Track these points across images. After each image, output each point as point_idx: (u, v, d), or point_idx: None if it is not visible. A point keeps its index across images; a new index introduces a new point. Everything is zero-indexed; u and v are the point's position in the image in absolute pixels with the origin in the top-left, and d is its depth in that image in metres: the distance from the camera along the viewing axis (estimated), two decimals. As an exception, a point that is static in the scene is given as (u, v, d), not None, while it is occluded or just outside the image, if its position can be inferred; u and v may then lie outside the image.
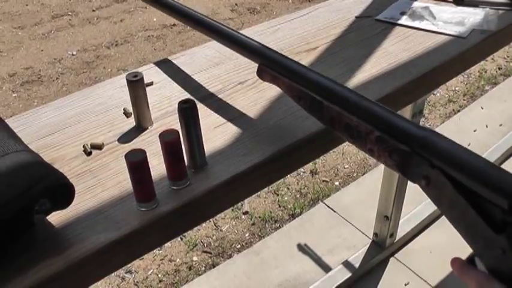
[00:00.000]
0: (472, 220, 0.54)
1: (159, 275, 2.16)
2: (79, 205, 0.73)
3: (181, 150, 0.72)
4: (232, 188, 0.77)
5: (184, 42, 4.10)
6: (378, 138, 0.64)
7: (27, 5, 4.92)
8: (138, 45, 4.14)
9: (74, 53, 4.03)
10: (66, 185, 0.67)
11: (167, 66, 1.06)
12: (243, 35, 0.87)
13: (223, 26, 0.91)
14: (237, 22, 4.43)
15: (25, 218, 0.66)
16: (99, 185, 0.76)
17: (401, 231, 2.14)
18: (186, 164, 0.76)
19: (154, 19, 4.54)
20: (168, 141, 0.70)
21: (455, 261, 0.58)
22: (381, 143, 0.64)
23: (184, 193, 0.73)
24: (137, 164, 0.67)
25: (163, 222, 0.71)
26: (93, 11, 4.80)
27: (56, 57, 3.98)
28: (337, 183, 2.58)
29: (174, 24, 4.37)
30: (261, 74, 0.82)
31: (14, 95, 3.53)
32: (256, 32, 1.17)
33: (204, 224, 2.38)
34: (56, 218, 0.71)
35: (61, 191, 0.67)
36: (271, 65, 0.79)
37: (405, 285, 2.03)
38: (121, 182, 0.76)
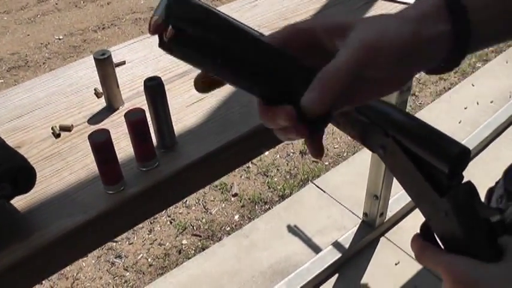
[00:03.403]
0: (421, 186, 0.57)
1: (149, 259, 2.15)
2: (46, 189, 0.70)
3: (148, 129, 0.69)
4: (204, 168, 0.74)
5: (172, 25, 4.04)
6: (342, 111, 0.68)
7: (12, -11, 4.86)
8: (126, 29, 4.09)
9: (61, 37, 3.98)
10: (27, 168, 0.65)
11: (141, 45, 1.03)
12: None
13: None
14: None
15: (-15, 203, 0.64)
16: (67, 168, 0.74)
17: (391, 210, 2.13)
18: (155, 144, 0.73)
19: (142, 1, 4.48)
20: (133, 120, 0.67)
21: (413, 241, 0.53)
22: (345, 115, 0.69)
23: (152, 174, 0.71)
24: (100, 144, 0.65)
25: (131, 204, 0.69)
26: (80, -6, 4.73)
27: (42, 42, 3.93)
28: (326, 163, 2.56)
29: (162, 7, 4.32)
30: None
31: (0, 81, 3.48)
32: (234, 8, 1.13)
33: (193, 207, 2.36)
34: (21, 203, 0.68)
35: (22, 175, 0.64)
36: None
37: (396, 264, 2.02)
38: (89, 164, 0.74)
